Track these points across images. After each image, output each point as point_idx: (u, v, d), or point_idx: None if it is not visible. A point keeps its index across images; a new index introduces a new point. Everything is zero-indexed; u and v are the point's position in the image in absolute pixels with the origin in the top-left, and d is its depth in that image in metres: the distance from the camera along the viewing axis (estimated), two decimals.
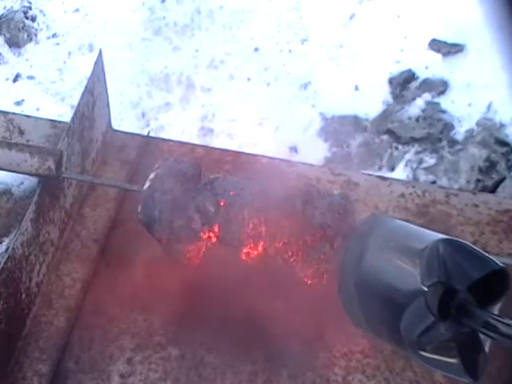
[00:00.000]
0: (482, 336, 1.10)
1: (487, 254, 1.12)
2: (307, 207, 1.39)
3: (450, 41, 2.72)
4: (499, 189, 2.29)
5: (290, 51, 2.80)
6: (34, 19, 2.85)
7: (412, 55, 2.71)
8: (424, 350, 1.10)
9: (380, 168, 2.44)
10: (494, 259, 1.11)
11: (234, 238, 1.43)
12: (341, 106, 2.60)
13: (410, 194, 1.77)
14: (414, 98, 2.60)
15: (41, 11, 2.88)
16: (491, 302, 1.11)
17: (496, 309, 1.12)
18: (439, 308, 1.08)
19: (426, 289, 1.09)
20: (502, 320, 1.05)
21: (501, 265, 1.10)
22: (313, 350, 1.52)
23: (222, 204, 1.43)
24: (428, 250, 1.12)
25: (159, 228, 1.45)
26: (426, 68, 2.66)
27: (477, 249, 1.13)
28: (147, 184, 1.47)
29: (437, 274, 1.09)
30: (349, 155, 2.49)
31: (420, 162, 2.43)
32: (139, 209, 1.48)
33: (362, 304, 1.23)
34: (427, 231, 1.24)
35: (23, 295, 1.52)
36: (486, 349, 1.11)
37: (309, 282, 1.40)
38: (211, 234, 1.45)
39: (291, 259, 1.40)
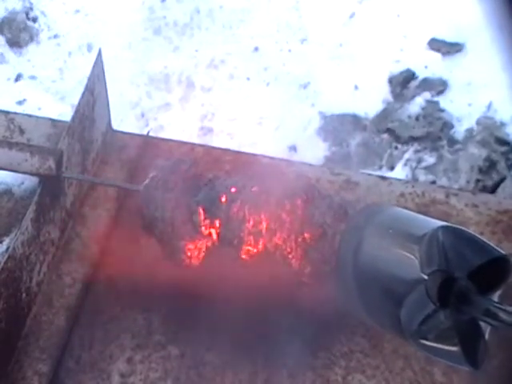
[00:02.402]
0: (482, 324, 1.10)
1: (488, 241, 1.12)
2: (307, 205, 1.40)
3: (449, 40, 2.72)
4: (499, 189, 2.29)
5: (289, 51, 2.80)
6: (35, 20, 2.85)
7: (412, 54, 2.71)
8: (425, 339, 1.10)
9: (380, 167, 2.44)
10: (494, 246, 1.11)
11: (234, 235, 1.43)
12: (340, 105, 2.60)
13: (410, 193, 1.77)
14: (413, 97, 2.60)
15: (42, 12, 2.88)
16: (492, 290, 1.11)
17: (496, 296, 1.12)
18: (439, 296, 1.08)
19: (425, 277, 1.08)
20: (503, 307, 1.05)
21: (501, 252, 1.10)
22: (313, 349, 1.52)
23: (222, 201, 1.44)
24: (428, 238, 1.11)
25: (160, 226, 1.46)
26: (426, 67, 2.66)
27: (477, 236, 1.13)
28: (146, 183, 1.48)
29: (437, 262, 1.09)
30: (348, 154, 2.49)
31: (419, 161, 2.43)
32: (138, 208, 1.49)
33: (361, 293, 1.22)
34: (427, 218, 1.24)
35: (23, 295, 1.53)
36: (487, 337, 1.12)
37: (306, 281, 1.40)
38: (212, 231, 1.45)
39: (289, 256, 1.40)
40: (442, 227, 1.13)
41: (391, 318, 1.15)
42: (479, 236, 1.14)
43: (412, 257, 1.12)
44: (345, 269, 1.25)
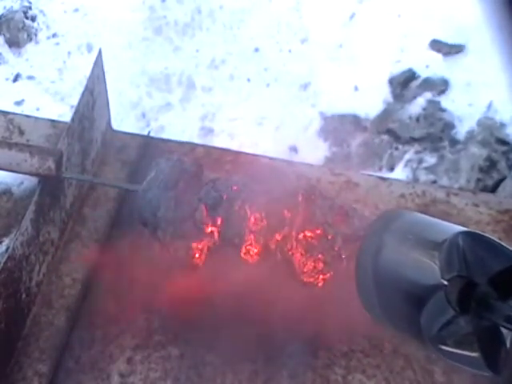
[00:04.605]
0: (503, 330, 1.09)
1: (508, 247, 1.11)
2: (308, 205, 1.40)
3: (450, 41, 2.72)
4: (500, 188, 2.29)
5: (289, 51, 2.80)
6: (33, 19, 2.85)
7: (412, 55, 2.72)
8: (444, 345, 1.09)
9: (380, 168, 2.44)
10: None
11: (235, 234, 1.43)
12: (341, 105, 2.60)
13: (410, 194, 1.77)
14: (414, 98, 2.60)
15: (41, 11, 2.88)
16: None
17: None
18: (459, 302, 1.07)
19: (445, 283, 1.08)
20: None
21: None
22: (313, 349, 1.52)
23: (224, 199, 1.44)
24: (447, 243, 1.10)
25: (161, 225, 1.45)
26: (427, 67, 2.66)
27: (497, 241, 1.12)
28: (146, 183, 1.48)
29: (457, 268, 1.08)
30: (349, 155, 2.49)
31: (420, 161, 2.43)
32: (138, 208, 1.49)
33: (381, 299, 1.22)
34: (446, 223, 1.23)
35: (23, 295, 1.52)
36: (508, 342, 1.11)
37: (305, 279, 1.40)
38: (213, 229, 1.45)
39: (290, 252, 1.40)
40: (462, 233, 1.12)
41: (411, 324, 1.14)
42: (499, 241, 1.13)
43: (432, 262, 1.11)
44: (364, 274, 1.25)
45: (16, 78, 2.70)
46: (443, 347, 1.10)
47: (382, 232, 1.24)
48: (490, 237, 1.13)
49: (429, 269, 1.11)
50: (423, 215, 1.31)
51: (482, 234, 1.14)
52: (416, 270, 1.15)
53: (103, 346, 1.54)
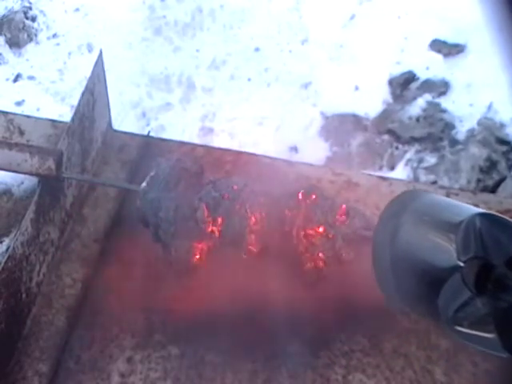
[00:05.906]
0: None
1: None
2: (309, 204, 1.41)
3: (450, 41, 2.72)
4: (500, 188, 2.29)
5: (290, 51, 2.80)
6: (34, 19, 2.85)
7: (412, 56, 2.71)
8: (461, 326, 1.10)
9: (380, 168, 2.44)
10: None
11: (236, 234, 1.43)
12: (341, 105, 2.60)
13: None
14: (414, 99, 2.60)
15: (41, 11, 2.88)
16: None
17: None
18: (476, 283, 1.07)
19: (462, 264, 1.08)
20: None
21: None
22: (313, 348, 1.52)
23: (224, 198, 1.44)
24: (464, 225, 1.10)
25: (162, 225, 1.45)
26: (427, 68, 2.66)
27: None
28: (146, 183, 1.48)
29: (473, 249, 1.08)
30: (349, 155, 2.49)
31: (420, 161, 2.43)
32: (139, 208, 1.49)
33: (398, 280, 1.22)
34: (463, 205, 1.23)
35: (23, 295, 1.52)
36: None
37: (305, 278, 1.40)
38: (214, 229, 1.45)
39: (290, 252, 1.40)
40: (480, 214, 1.12)
41: (427, 305, 1.15)
42: None
43: (448, 244, 1.11)
44: (382, 255, 1.25)
45: (16, 79, 2.70)
46: (460, 328, 1.10)
47: (399, 213, 1.24)
48: (508, 219, 1.13)
49: (446, 250, 1.11)
50: (441, 196, 1.31)
51: (499, 215, 1.14)
52: (433, 252, 1.15)
53: (103, 346, 1.54)
